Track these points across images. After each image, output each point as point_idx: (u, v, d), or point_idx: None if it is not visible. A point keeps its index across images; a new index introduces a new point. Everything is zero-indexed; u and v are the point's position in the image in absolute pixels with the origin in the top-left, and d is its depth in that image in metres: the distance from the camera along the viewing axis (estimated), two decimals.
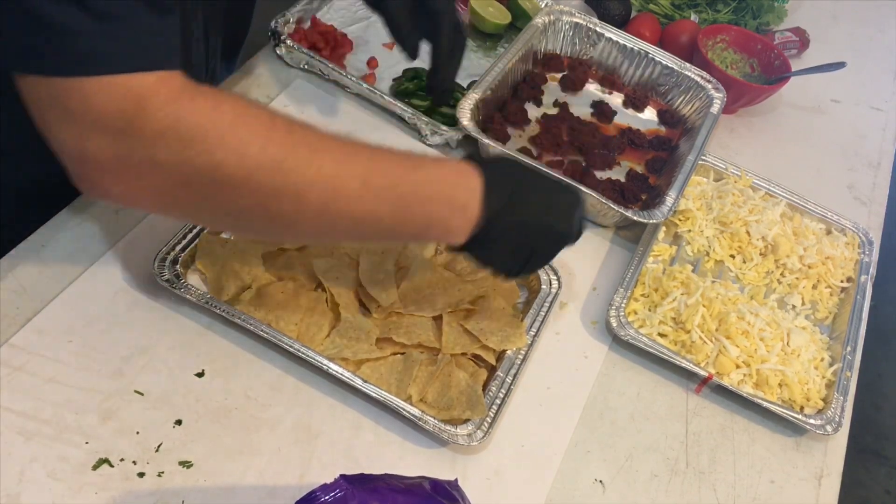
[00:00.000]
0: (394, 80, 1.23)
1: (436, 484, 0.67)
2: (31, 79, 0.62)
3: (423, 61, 1.29)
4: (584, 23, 1.34)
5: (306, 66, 1.19)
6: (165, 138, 0.62)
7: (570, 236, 0.86)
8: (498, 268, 0.84)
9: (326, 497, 0.61)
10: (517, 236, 0.80)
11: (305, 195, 0.68)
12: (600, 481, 0.90)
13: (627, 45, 1.33)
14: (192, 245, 0.91)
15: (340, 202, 0.70)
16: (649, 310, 1.04)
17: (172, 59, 0.64)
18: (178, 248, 0.90)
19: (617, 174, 1.21)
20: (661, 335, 1.02)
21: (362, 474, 0.64)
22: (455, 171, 0.78)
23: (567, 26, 1.34)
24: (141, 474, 0.77)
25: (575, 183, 1.09)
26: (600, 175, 1.19)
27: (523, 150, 1.17)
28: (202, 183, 0.65)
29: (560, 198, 0.85)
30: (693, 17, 1.52)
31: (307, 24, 1.25)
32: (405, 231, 0.76)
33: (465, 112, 1.12)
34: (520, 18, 1.38)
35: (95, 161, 0.63)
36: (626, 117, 1.31)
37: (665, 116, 1.32)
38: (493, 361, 0.92)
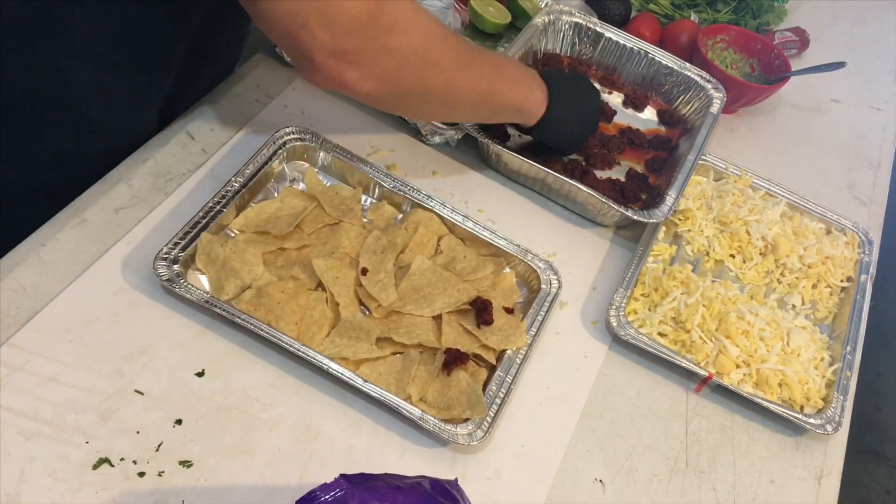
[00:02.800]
0: None
1: (436, 483, 0.67)
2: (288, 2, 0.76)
3: None
4: (584, 22, 1.34)
5: None
6: (395, 28, 0.80)
7: (600, 99, 1.21)
8: (568, 129, 1.11)
9: (326, 496, 0.61)
10: (574, 97, 1.10)
11: (470, 72, 0.93)
12: (600, 481, 0.90)
13: (627, 44, 1.33)
14: (192, 245, 0.91)
15: (486, 77, 0.96)
16: (649, 309, 1.04)
17: None
18: (178, 247, 0.90)
19: (617, 174, 1.21)
20: (661, 335, 1.02)
21: (362, 474, 0.64)
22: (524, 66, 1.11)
23: (567, 26, 1.34)
24: (141, 474, 0.77)
25: (575, 182, 1.09)
26: (600, 174, 1.19)
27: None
28: (417, 63, 0.84)
29: (586, 79, 1.19)
30: (693, 16, 1.52)
31: None
32: (514, 99, 1.03)
33: None
34: (520, 18, 1.38)
35: (344, 54, 0.79)
36: (626, 117, 1.31)
37: (665, 116, 1.32)
38: (493, 361, 0.92)
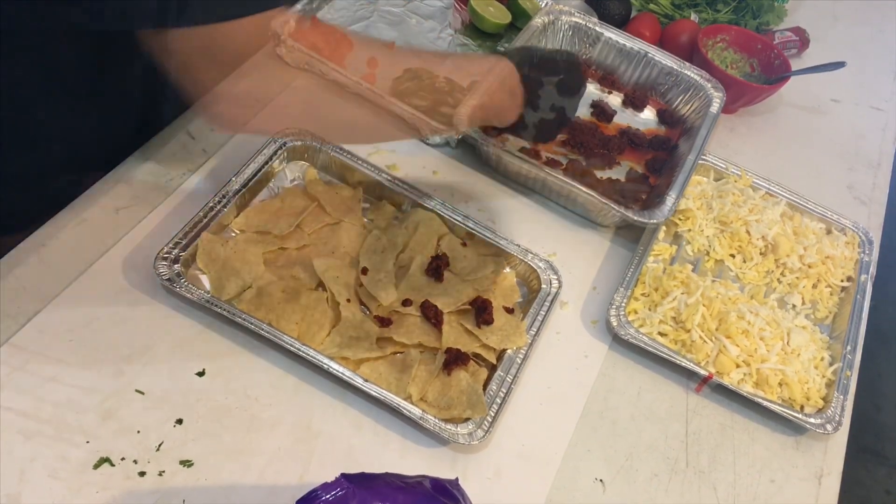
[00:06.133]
0: (394, 80, 1.23)
1: (436, 483, 0.67)
2: (179, 32, 0.70)
3: None
4: (584, 23, 1.34)
5: (306, 67, 1.19)
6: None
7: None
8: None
9: (327, 496, 0.61)
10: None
11: None
12: (600, 480, 0.90)
13: (626, 45, 1.33)
14: (193, 245, 0.91)
15: None
16: (649, 309, 1.04)
17: None
18: (179, 247, 0.90)
19: (617, 174, 1.21)
20: (661, 334, 1.02)
21: (363, 473, 0.64)
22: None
23: (566, 26, 1.34)
24: (142, 473, 0.77)
25: (575, 184, 1.09)
26: (600, 175, 1.19)
27: (523, 150, 1.17)
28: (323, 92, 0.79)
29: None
30: (693, 16, 1.52)
31: (307, 24, 1.24)
32: None
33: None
34: (520, 18, 1.38)
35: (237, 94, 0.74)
36: (626, 117, 1.31)
37: (664, 116, 1.32)
38: (493, 360, 0.92)
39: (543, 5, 1.38)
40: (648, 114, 1.33)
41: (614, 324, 0.99)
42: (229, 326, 0.89)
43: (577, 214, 1.15)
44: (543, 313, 0.97)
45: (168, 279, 0.87)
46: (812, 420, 0.97)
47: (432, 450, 0.86)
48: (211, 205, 0.94)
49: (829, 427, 0.97)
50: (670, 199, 1.10)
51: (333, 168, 1.06)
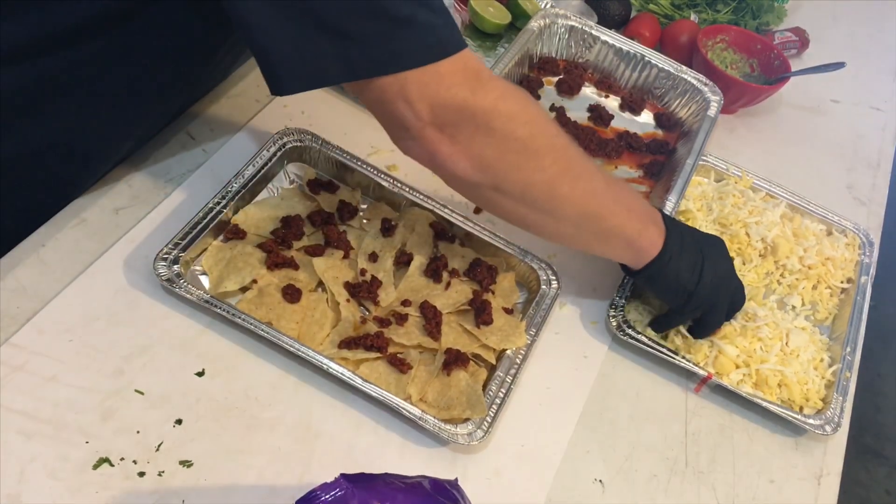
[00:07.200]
0: None
1: (436, 483, 0.67)
2: (388, 78, 0.72)
3: None
4: (580, 26, 1.33)
5: None
6: (499, 111, 0.75)
7: (738, 281, 1.00)
8: (681, 283, 0.93)
9: (327, 496, 0.61)
10: (692, 251, 0.94)
11: (577, 181, 0.83)
12: (600, 481, 0.90)
13: (623, 47, 1.33)
14: (192, 245, 0.91)
15: (597, 195, 0.86)
16: (649, 310, 1.04)
17: None
18: (178, 248, 0.90)
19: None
20: (660, 335, 1.02)
21: (362, 473, 0.64)
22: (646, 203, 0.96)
23: (562, 29, 1.33)
24: (141, 474, 0.77)
25: None
26: None
27: None
28: (517, 151, 0.77)
29: (720, 242, 1.01)
30: (693, 17, 1.52)
31: None
32: (626, 229, 0.89)
33: None
34: (519, 18, 1.38)
35: (441, 126, 0.74)
36: (623, 121, 1.30)
37: (662, 119, 1.31)
38: (492, 361, 0.92)
39: (543, 6, 1.38)
40: (646, 117, 1.32)
41: (613, 324, 0.99)
42: (229, 327, 0.89)
43: None
44: (543, 314, 0.97)
45: (168, 279, 0.87)
46: (811, 421, 0.97)
47: (432, 450, 0.86)
48: (211, 205, 0.94)
49: (828, 428, 0.97)
50: (670, 204, 1.10)
51: (332, 169, 1.06)
